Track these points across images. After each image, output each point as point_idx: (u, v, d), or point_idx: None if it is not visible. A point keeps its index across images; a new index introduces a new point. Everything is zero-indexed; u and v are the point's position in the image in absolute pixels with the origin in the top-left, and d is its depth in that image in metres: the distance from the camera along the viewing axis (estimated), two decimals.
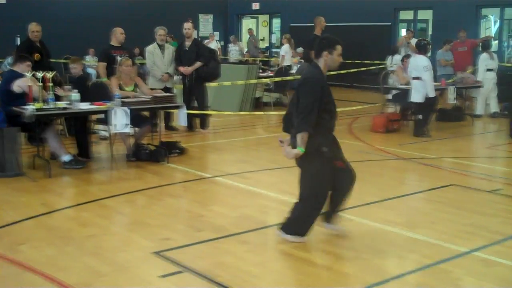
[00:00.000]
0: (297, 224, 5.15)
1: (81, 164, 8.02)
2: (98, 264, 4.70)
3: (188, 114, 9.80)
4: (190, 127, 10.98)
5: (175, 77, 11.80)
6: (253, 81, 13.60)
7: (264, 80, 14.36)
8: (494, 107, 13.49)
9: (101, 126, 9.62)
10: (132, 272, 4.57)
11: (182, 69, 10.79)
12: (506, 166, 8.82)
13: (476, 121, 12.68)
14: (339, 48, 4.97)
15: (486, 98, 13.39)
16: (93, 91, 9.14)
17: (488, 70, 13.23)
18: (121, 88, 8.51)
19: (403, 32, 18.83)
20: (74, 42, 19.10)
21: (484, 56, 13.29)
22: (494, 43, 17.44)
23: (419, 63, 10.67)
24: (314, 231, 5.55)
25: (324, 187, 5.05)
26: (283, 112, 13.53)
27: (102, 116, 8.67)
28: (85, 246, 5.11)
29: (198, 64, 10.76)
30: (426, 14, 19.56)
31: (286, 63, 16.30)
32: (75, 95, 7.66)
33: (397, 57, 14.30)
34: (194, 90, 10.97)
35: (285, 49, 16.94)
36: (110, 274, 4.51)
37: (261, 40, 24.78)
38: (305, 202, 5.09)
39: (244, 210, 6.22)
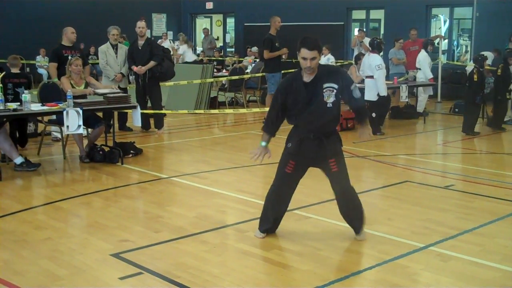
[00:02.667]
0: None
1: (33, 167, 7.85)
2: (55, 268, 4.60)
3: (143, 114, 9.71)
4: (145, 127, 10.88)
5: (130, 77, 11.69)
6: (210, 80, 13.56)
7: (219, 79, 14.34)
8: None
9: (53, 128, 9.46)
10: (90, 274, 4.49)
11: (135, 68, 10.67)
12: (458, 162, 9.01)
13: (427, 119, 12.92)
14: (302, 50, 4.87)
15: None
16: (44, 91, 9.00)
17: None
18: (72, 87, 8.35)
19: (355, 31, 19.05)
20: (24, 43, 18.74)
21: (423, 55, 13.26)
22: (444, 42, 17.81)
23: (372, 62, 10.81)
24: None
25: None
26: (239, 112, 13.60)
27: (54, 117, 8.53)
28: (41, 250, 5.01)
29: (152, 63, 10.65)
30: (378, 14, 19.84)
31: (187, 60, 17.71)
32: (25, 96, 7.49)
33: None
34: (148, 90, 10.86)
35: (183, 48, 18.89)
36: (68, 278, 4.42)
37: (216, 39, 24.74)
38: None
39: (202, 210, 6.19)
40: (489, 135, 11.11)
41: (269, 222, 5.31)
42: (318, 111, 4.90)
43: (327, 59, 14.76)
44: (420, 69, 13.01)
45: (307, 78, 4.93)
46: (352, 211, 5.28)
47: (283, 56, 12.44)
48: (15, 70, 8.95)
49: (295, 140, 5.03)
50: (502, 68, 11.52)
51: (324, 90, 4.88)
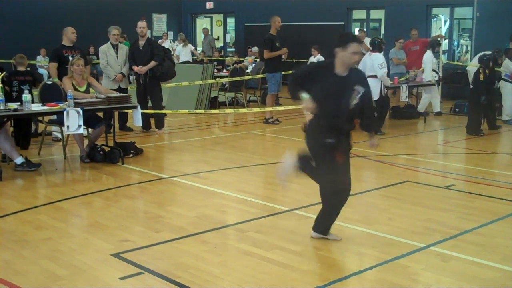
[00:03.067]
0: None
1: (34, 167, 7.85)
2: (56, 268, 4.60)
3: (144, 115, 9.72)
4: (146, 127, 10.88)
5: (131, 77, 11.68)
6: (211, 81, 13.56)
7: (221, 80, 14.33)
8: (438, 107, 13.64)
9: (54, 128, 9.46)
10: (90, 274, 4.49)
11: (136, 68, 10.67)
12: (458, 162, 9.01)
13: (428, 119, 12.92)
14: (352, 45, 4.87)
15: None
16: (45, 91, 9.01)
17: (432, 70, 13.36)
18: (74, 88, 8.36)
19: (356, 31, 19.05)
20: (25, 43, 18.71)
21: (428, 55, 13.29)
22: (445, 42, 17.80)
23: (375, 61, 10.80)
24: (272, 229, 5.59)
25: None
26: (239, 111, 13.59)
27: (54, 117, 8.53)
28: (42, 250, 5.01)
29: (153, 63, 10.65)
30: (378, 14, 19.84)
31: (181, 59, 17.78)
32: (26, 96, 7.49)
33: None
34: (149, 90, 10.86)
35: (179, 48, 19.04)
36: (68, 278, 4.42)
37: (216, 39, 24.76)
38: None
39: (202, 210, 6.19)
40: (488, 135, 11.09)
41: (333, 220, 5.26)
42: (342, 107, 4.94)
43: (316, 59, 14.77)
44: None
45: (342, 72, 4.96)
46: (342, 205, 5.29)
47: (283, 56, 12.45)
48: (21, 68, 9.23)
49: (333, 136, 4.99)
50: (484, 72, 11.25)
51: (353, 90, 4.94)
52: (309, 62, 14.51)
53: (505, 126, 11.93)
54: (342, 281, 4.40)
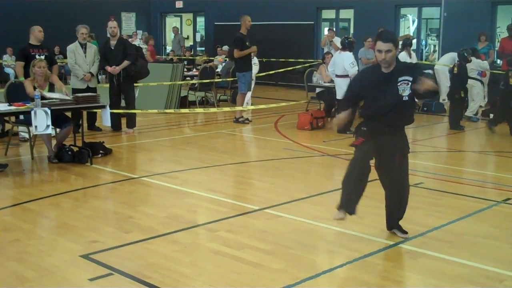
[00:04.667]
0: None
1: (0, 168, 7.73)
2: (23, 270, 4.53)
3: (115, 114, 9.63)
4: (116, 127, 10.78)
5: (100, 77, 11.56)
6: (181, 82, 13.50)
7: (192, 81, 14.27)
8: None
9: (21, 128, 9.32)
10: (59, 276, 4.43)
11: (110, 69, 10.57)
12: (426, 160, 9.10)
13: None
14: (377, 43, 4.96)
15: None
16: (11, 91, 8.86)
17: None
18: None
19: (325, 31, 19.15)
20: None
21: (403, 55, 13.63)
22: (413, 42, 17.99)
23: (345, 60, 10.85)
24: (243, 228, 5.58)
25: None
26: (209, 111, 13.51)
27: (21, 117, 8.40)
28: (9, 252, 4.93)
29: (126, 63, 10.56)
30: (347, 13, 19.97)
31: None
32: None
33: None
34: (123, 90, 10.77)
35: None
36: (37, 280, 4.36)
37: (186, 38, 24.64)
38: None
39: (172, 210, 6.16)
40: (457, 133, 11.26)
41: (355, 201, 5.26)
42: (393, 103, 4.99)
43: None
44: None
45: (386, 69, 5.03)
46: (396, 205, 5.36)
47: (252, 55, 12.45)
48: None
49: (369, 128, 5.12)
50: (459, 67, 11.72)
51: (399, 84, 4.96)
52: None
53: (468, 124, 12.19)
54: (313, 280, 4.42)
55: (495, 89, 13.80)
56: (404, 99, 4.97)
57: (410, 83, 4.94)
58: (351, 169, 5.17)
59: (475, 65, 12.63)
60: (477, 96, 12.83)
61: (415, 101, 5.19)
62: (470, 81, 12.60)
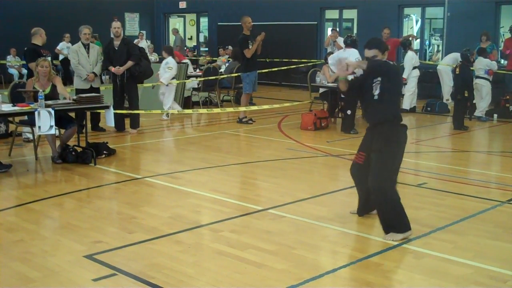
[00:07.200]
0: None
1: (4, 168, 7.74)
2: (27, 270, 4.54)
3: (119, 115, 9.64)
4: (120, 128, 10.79)
5: (103, 77, 11.58)
6: (187, 81, 13.50)
7: (197, 79, 14.26)
8: (414, 102, 14.04)
9: (25, 128, 9.34)
10: (63, 276, 4.44)
11: (113, 69, 10.58)
12: (430, 160, 9.09)
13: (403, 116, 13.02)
14: (364, 51, 5.61)
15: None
16: (15, 92, 8.88)
17: (414, 68, 13.75)
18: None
19: (329, 31, 19.14)
20: None
21: (411, 54, 13.76)
22: (416, 42, 17.99)
23: (351, 56, 10.81)
24: (246, 228, 5.58)
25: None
26: (213, 111, 13.52)
27: (25, 117, 8.42)
28: (13, 252, 4.93)
29: (130, 63, 10.57)
30: (351, 13, 19.96)
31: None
32: None
33: None
34: (126, 90, 10.78)
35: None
36: (41, 280, 4.37)
37: (189, 39, 24.64)
38: None
39: (176, 210, 6.17)
40: (460, 134, 11.24)
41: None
42: (367, 102, 5.52)
43: None
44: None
45: None
46: (377, 208, 5.46)
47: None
48: None
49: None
50: (461, 67, 11.66)
51: (373, 84, 5.40)
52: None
53: (478, 123, 12.16)
54: (316, 280, 4.42)
55: (498, 89, 13.80)
56: (374, 98, 5.39)
57: (379, 83, 5.35)
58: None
59: (483, 65, 12.58)
60: (487, 95, 12.76)
61: (390, 98, 5.42)
62: (479, 81, 12.58)
